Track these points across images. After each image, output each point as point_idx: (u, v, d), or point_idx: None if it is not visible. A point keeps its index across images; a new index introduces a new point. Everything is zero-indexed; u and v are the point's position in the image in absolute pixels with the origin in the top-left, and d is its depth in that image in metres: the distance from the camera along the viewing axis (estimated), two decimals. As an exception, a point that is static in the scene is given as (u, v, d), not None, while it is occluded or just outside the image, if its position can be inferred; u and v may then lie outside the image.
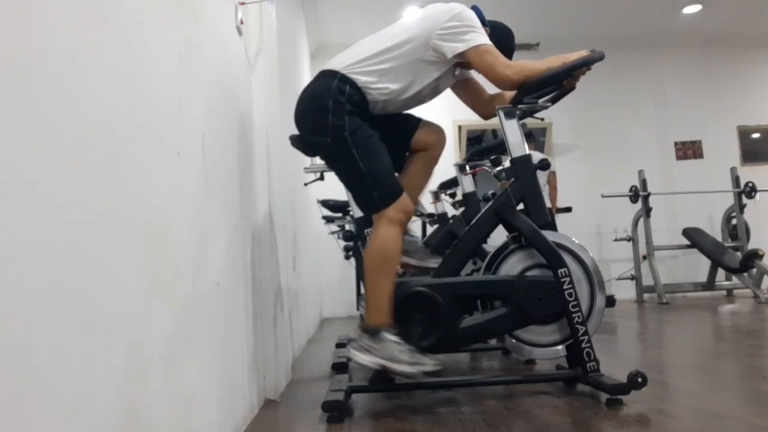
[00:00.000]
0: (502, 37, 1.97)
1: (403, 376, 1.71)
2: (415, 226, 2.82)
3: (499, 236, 1.97)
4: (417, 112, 2.01)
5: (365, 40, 1.92)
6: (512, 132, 1.92)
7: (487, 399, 1.80)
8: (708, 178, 6.54)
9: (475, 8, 1.90)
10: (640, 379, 1.62)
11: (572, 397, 1.78)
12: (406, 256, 1.87)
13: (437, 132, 2.04)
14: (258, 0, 2.03)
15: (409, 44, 1.83)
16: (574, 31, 6.06)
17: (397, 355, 1.69)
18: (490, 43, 1.83)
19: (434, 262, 1.90)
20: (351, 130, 1.78)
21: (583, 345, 1.76)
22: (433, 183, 3.34)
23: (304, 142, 1.93)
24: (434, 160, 2.05)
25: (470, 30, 1.81)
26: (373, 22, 2.42)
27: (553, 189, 5.16)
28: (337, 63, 1.86)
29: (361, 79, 1.81)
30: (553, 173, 5.22)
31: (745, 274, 5.39)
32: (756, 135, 6.92)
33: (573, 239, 1.91)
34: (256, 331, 1.87)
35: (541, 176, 4.87)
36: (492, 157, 3.03)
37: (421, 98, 1.94)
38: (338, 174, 1.93)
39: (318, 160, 2.04)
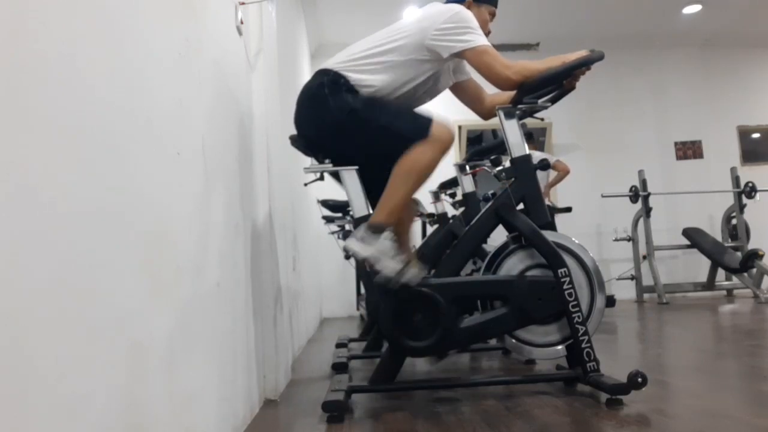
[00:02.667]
0: None
1: (383, 276, 1.74)
2: (415, 226, 2.81)
3: (499, 236, 1.97)
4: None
5: (361, 41, 1.93)
6: (512, 132, 1.92)
7: (487, 399, 1.80)
8: (708, 178, 6.54)
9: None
10: (640, 379, 1.62)
11: (572, 397, 1.78)
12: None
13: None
14: (258, 0, 2.03)
15: (404, 44, 1.84)
16: (574, 31, 6.06)
17: (388, 253, 1.73)
18: (489, 43, 1.84)
19: (408, 276, 1.80)
20: (355, 102, 1.79)
21: (583, 345, 1.76)
22: (433, 183, 3.35)
23: (307, 139, 1.92)
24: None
25: (468, 31, 1.81)
26: (373, 22, 2.42)
27: (563, 171, 5.15)
28: (331, 62, 1.88)
29: (352, 77, 1.81)
30: (558, 160, 5.21)
31: (745, 274, 5.39)
32: (756, 135, 6.92)
33: (573, 239, 1.91)
34: (256, 331, 1.87)
35: (541, 176, 4.88)
36: (492, 157, 3.03)
37: (417, 98, 1.94)
38: (366, 143, 1.84)
39: (315, 162, 2.04)
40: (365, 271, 1.87)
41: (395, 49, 1.84)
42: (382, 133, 1.79)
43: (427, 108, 1.98)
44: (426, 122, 1.78)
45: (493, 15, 2.03)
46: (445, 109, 3.39)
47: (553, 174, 5.21)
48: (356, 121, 1.78)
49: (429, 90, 1.95)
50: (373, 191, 1.88)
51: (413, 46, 1.84)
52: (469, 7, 1.93)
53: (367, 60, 1.84)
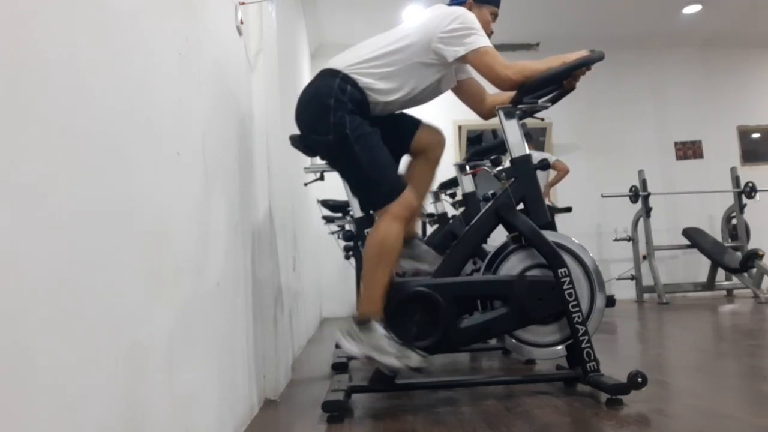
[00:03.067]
0: None
1: (387, 369, 1.71)
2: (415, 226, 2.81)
3: (499, 236, 1.97)
4: (417, 111, 2.01)
5: (367, 42, 1.92)
6: (512, 132, 1.92)
7: (487, 399, 1.80)
8: (708, 178, 6.54)
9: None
10: (640, 379, 1.62)
11: (572, 397, 1.78)
12: (417, 261, 1.85)
13: (436, 133, 2.05)
14: (258, 0, 2.03)
15: (410, 47, 1.85)
16: (574, 31, 6.06)
17: (384, 347, 1.69)
18: (490, 44, 1.84)
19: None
20: (352, 127, 1.78)
21: (583, 345, 1.76)
22: (433, 183, 3.34)
23: (305, 142, 1.93)
24: (435, 162, 2.06)
25: (471, 33, 1.82)
26: (373, 22, 2.43)
27: (562, 171, 5.15)
28: (340, 62, 1.86)
29: (362, 80, 1.81)
30: (557, 159, 5.21)
31: (745, 274, 5.38)
32: (756, 135, 6.92)
33: (573, 239, 1.91)
34: (256, 331, 1.87)
35: (541, 176, 4.87)
36: (492, 157, 3.03)
37: (421, 99, 1.95)
38: (340, 172, 1.93)
39: (318, 160, 2.04)
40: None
41: (402, 51, 1.85)
42: (358, 173, 1.82)
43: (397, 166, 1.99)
44: (397, 191, 1.79)
45: (495, 15, 2.03)
46: (445, 109, 3.40)
47: (552, 174, 5.21)
48: (344, 148, 1.79)
49: (432, 90, 1.96)
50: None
51: (419, 49, 1.85)
52: (470, 8, 1.92)
53: (375, 63, 1.84)
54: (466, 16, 1.85)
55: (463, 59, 1.84)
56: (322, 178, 2.83)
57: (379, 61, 1.84)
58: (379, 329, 1.71)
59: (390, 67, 1.84)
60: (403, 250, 1.84)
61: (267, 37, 2.22)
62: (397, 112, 2.00)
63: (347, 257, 4.75)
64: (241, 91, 1.88)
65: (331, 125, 1.78)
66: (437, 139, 2.04)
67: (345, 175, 1.94)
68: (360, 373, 2.37)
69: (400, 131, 2.01)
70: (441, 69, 1.89)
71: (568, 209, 5.25)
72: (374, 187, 1.81)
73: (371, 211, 1.92)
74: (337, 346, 3.16)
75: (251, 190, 1.94)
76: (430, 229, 4.40)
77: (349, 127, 1.78)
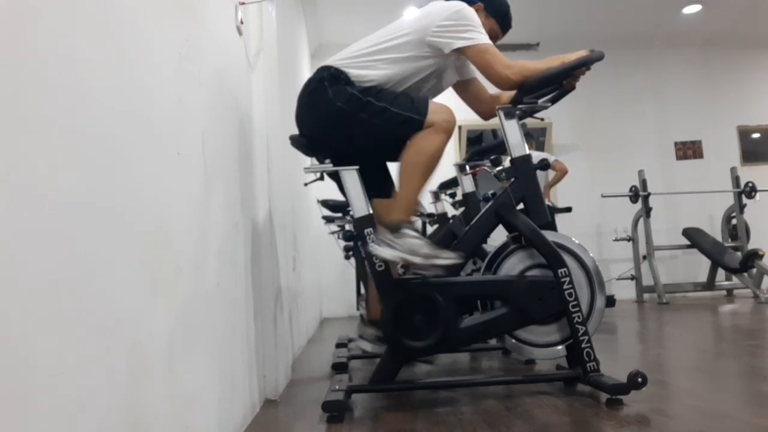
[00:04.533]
0: (497, 7, 2.01)
1: (422, 269, 1.74)
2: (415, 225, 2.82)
3: (499, 236, 1.97)
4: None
5: (362, 39, 1.93)
6: (512, 132, 1.92)
7: (487, 399, 1.80)
8: (708, 178, 6.54)
9: None
10: (640, 379, 1.62)
11: (572, 397, 1.78)
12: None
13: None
14: (258, 0, 2.03)
15: (405, 40, 1.84)
16: (574, 31, 6.06)
17: (417, 249, 1.71)
18: (490, 42, 1.84)
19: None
20: (353, 90, 1.79)
21: (583, 345, 1.76)
22: (433, 183, 3.35)
23: (312, 136, 1.92)
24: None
25: (469, 28, 1.81)
26: (373, 22, 2.42)
27: (561, 171, 5.14)
28: (332, 59, 1.88)
29: (353, 72, 1.82)
30: (556, 160, 5.20)
31: (745, 274, 5.38)
32: (756, 135, 6.92)
33: (573, 239, 1.91)
34: (256, 331, 1.87)
35: (541, 176, 4.87)
36: (492, 157, 3.03)
37: (420, 96, 1.94)
38: (365, 131, 1.82)
39: (317, 161, 2.04)
40: (365, 271, 1.87)
41: (396, 46, 1.84)
42: (381, 116, 1.78)
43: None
44: (423, 105, 1.79)
45: (496, 35, 2.01)
46: (445, 109, 3.36)
47: (552, 174, 5.21)
48: (355, 106, 1.77)
49: (432, 88, 1.95)
50: (370, 187, 1.89)
51: (414, 42, 1.84)
52: (477, 12, 1.91)
53: (368, 57, 1.84)
54: (466, 12, 1.84)
55: (461, 53, 1.83)
56: (322, 178, 2.82)
57: (372, 56, 1.84)
58: (410, 232, 1.73)
59: (384, 60, 1.84)
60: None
61: (267, 37, 2.22)
62: None
63: (347, 257, 4.75)
64: (241, 91, 1.88)
65: (332, 97, 1.78)
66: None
67: (371, 130, 1.81)
68: (360, 373, 2.37)
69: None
70: (437, 62, 1.88)
71: (568, 209, 5.25)
72: (406, 112, 1.78)
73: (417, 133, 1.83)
74: (338, 346, 3.16)
75: (251, 190, 1.94)
76: (430, 229, 4.40)
77: (350, 90, 1.79)
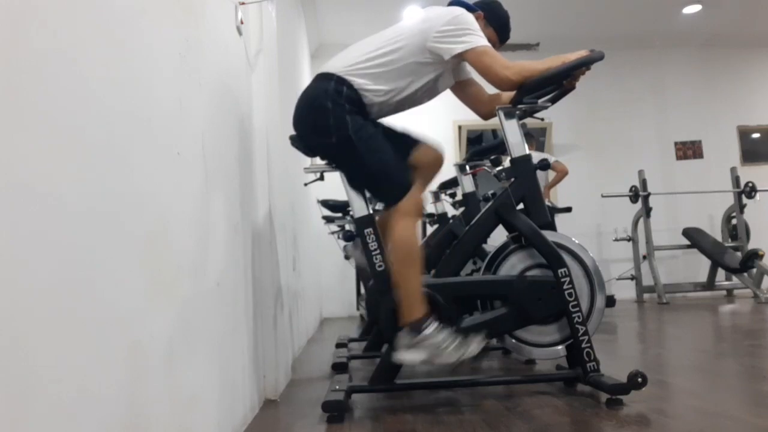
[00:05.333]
0: (497, 17, 2.00)
1: (451, 364, 1.72)
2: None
3: (499, 236, 1.97)
4: (417, 111, 2.00)
5: (362, 42, 1.92)
6: (512, 132, 1.92)
7: (487, 399, 1.80)
8: (708, 178, 6.53)
9: (456, 2, 1.91)
10: (640, 379, 1.62)
11: (572, 397, 1.78)
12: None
13: (435, 152, 2.00)
14: (258, 0, 2.03)
15: (406, 47, 1.84)
16: (574, 31, 6.06)
17: (443, 347, 1.70)
18: (489, 44, 1.84)
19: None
20: (354, 128, 1.78)
21: (583, 345, 1.76)
22: (433, 183, 3.35)
23: (305, 143, 1.93)
24: (429, 179, 2.01)
25: (468, 32, 1.81)
26: (373, 22, 2.43)
27: (561, 172, 5.13)
28: (333, 65, 1.86)
29: (357, 81, 1.81)
30: (557, 161, 5.19)
31: (745, 274, 5.39)
32: (756, 135, 6.92)
33: (573, 239, 1.91)
34: (256, 331, 1.87)
35: (541, 176, 4.87)
36: (492, 157, 3.03)
37: (417, 99, 1.94)
38: (345, 172, 1.91)
39: (318, 160, 2.04)
40: (365, 272, 1.87)
41: (397, 51, 1.84)
42: (363, 173, 1.84)
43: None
44: (404, 189, 1.80)
45: (494, 45, 1.98)
46: (444, 109, 3.39)
47: (552, 175, 5.21)
48: (346, 149, 1.79)
49: (429, 90, 1.95)
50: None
51: (415, 48, 1.84)
52: (477, 19, 1.91)
53: (370, 63, 1.83)
54: (464, 17, 1.85)
55: (460, 57, 1.83)
56: (322, 178, 2.83)
57: (374, 62, 1.83)
58: (430, 330, 1.71)
59: (385, 67, 1.83)
60: None
61: (267, 37, 2.22)
62: (399, 129, 1.98)
63: (347, 257, 4.75)
64: (241, 91, 1.88)
65: (332, 127, 1.78)
66: (435, 156, 2.00)
67: (351, 175, 1.91)
68: (360, 373, 2.37)
69: (399, 147, 1.97)
70: (437, 68, 1.88)
71: (568, 209, 5.25)
72: (383, 184, 1.83)
73: (383, 208, 1.93)
74: (338, 346, 3.16)
75: (251, 190, 1.94)
76: (430, 229, 4.40)
77: (351, 128, 1.78)
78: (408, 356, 1.72)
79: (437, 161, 2.01)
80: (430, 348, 1.70)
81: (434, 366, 1.75)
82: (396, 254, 1.79)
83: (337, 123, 1.78)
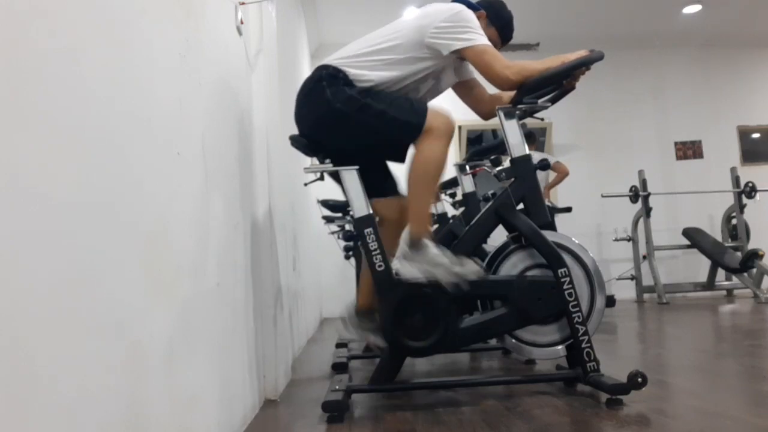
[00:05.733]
0: (500, 16, 2.00)
1: (448, 282, 1.74)
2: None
3: (499, 236, 1.97)
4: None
5: (360, 39, 1.92)
6: (512, 132, 1.92)
7: (487, 399, 1.80)
8: (708, 178, 6.54)
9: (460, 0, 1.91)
10: (640, 379, 1.62)
11: (572, 397, 1.78)
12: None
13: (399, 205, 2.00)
14: (258, 0, 2.03)
15: (403, 41, 1.84)
16: (574, 31, 6.06)
17: (440, 262, 1.72)
18: (489, 43, 1.84)
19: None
20: (352, 91, 1.78)
21: (583, 345, 1.76)
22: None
23: (311, 137, 1.91)
24: (396, 235, 2.02)
25: (468, 30, 1.81)
26: (373, 22, 2.42)
27: (562, 173, 5.13)
28: (330, 58, 1.87)
29: (351, 72, 1.81)
30: (558, 161, 5.19)
31: (745, 274, 5.39)
32: (756, 135, 6.92)
33: (573, 239, 1.91)
34: (256, 331, 1.87)
35: (541, 177, 4.87)
36: (492, 157, 3.03)
37: (419, 97, 1.94)
38: (361, 134, 1.82)
39: (317, 161, 2.04)
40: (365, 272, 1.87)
41: (395, 46, 1.84)
42: (379, 118, 1.78)
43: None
44: (422, 109, 1.79)
45: (496, 45, 1.97)
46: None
47: (552, 175, 5.21)
48: (353, 108, 1.77)
49: (431, 89, 1.95)
50: (371, 187, 1.88)
51: (412, 43, 1.84)
52: (479, 18, 1.91)
53: (367, 57, 1.84)
54: (465, 14, 1.84)
55: (460, 54, 1.83)
56: (322, 178, 2.82)
57: (372, 56, 1.84)
58: (430, 246, 1.74)
59: (382, 60, 1.83)
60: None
61: (267, 37, 2.22)
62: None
63: (347, 257, 4.75)
64: (241, 91, 1.88)
65: (331, 98, 1.78)
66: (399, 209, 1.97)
67: (367, 133, 1.82)
68: (360, 373, 2.37)
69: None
70: (436, 63, 1.88)
71: (568, 209, 5.25)
72: (403, 117, 1.77)
73: (412, 141, 1.82)
74: (338, 346, 3.16)
75: (251, 190, 1.94)
76: (430, 229, 4.39)
77: (349, 92, 1.78)
78: (406, 269, 1.74)
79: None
80: (428, 263, 1.72)
81: (429, 279, 1.75)
82: (417, 169, 1.76)
83: (334, 91, 1.78)
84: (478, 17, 1.91)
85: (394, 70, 1.84)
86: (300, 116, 1.91)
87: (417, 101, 1.83)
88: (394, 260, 1.77)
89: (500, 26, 2.00)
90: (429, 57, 1.85)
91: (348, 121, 1.80)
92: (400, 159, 1.94)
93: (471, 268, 1.74)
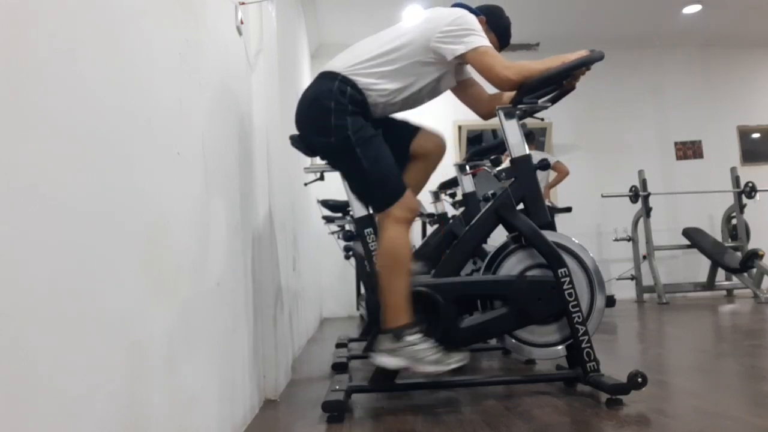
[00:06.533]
0: (499, 22, 2.02)
1: (430, 374, 1.73)
2: (415, 226, 2.83)
3: (499, 236, 1.97)
4: (418, 111, 2.00)
5: (365, 41, 1.92)
6: (512, 132, 1.92)
7: (487, 399, 1.80)
8: (708, 178, 6.54)
9: (459, 5, 1.92)
10: (640, 379, 1.62)
11: (572, 397, 1.78)
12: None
13: (436, 138, 2.04)
14: (258, 0, 2.03)
15: (409, 46, 1.84)
16: (574, 31, 6.06)
17: (422, 356, 1.70)
18: (489, 44, 1.84)
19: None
20: (354, 129, 1.78)
21: (583, 345, 1.76)
22: (433, 183, 3.35)
23: (306, 143, 1.93)
24: (432, 167, 2.04)
25: (470, 33, 1.82)
26: (373, 22, 2.43)
27: (561, 172, 5.13)
28: (338, 64, 1.86)
29: (361, 81, 1.81)
30: (558, 161, 5.19)
31: (745, 274, 5.39)
32: (756, 135, 6.92)
33: (573, 239, 1.91)
34: (256, 331, 1.87)
35: (541, 176, 4.87)
36: (492, 157, 3.03)
37: (419, 99, 1.94)
38: (342, 173, 1.93)
39: (318, 160, 2.04)
40: (365, 272, 1.87)
41: (400, 51, 1.84)
42: (360, 175, 1.82)
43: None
44: (397, 194, 1.80)
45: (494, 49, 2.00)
46: (444, 109, 3.38)
47: (552, 175, 5.22)
48: (346, 151, 1.79)
49: (431, 90, 1.95)
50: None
51: (418, 48, 1.84)
52: (479, 23, 1.91)
53: (374, 62, 1.84)
54: (466, 17, 1.85)
55: (462, 58, 1.84)
56: (322, 178, 2.83)
57: (378, 61, 1.84)
58: (412, 338, 1.71)
59: (389, 66, 1.84)
60: None
61: (267, 37, 2.22)
62: (398, 118, 1.99)
63: (347, 257, 4.75)
64: (241, 91, 1.88)
65: (333, 128, 1.78)
66: (436, 143, 2.03)
67: (347, 177, 1.93)
68: (360, 373, 2.37)
69: (399, 136, 2.00)
70: (440, 68, 1.89)
71: (568, 209, 5.25)
72: (376, 189, 1.81)
73: (373, 213, 1.93)
74: (338, 346, 3.16)
75: (251, 190, 1.94)
76: (430, 229, 4.40)
77: (351, 129, 1.78)
78: (386, 361, 1.72)
79: (439, 148, 2.03)
80: (409, 356, 1.70)
81: (410, 372, 1.75)
82: (383, 260, 1.78)
83: (337, 123, 1.78)
84: (479, 22, 1.91)
85: (402, 76, 1.85)
86: (300, 121, 1.91)
87: (398, 183, 1.83)
88: (376, 354, 1.76)
89: (499, 32, 2.01)
90: (434, 61, 1.86)
91: (337, 158, 1.87)
92: None
93: (455, 360, 1.71)
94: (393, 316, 1.74)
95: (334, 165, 1.96)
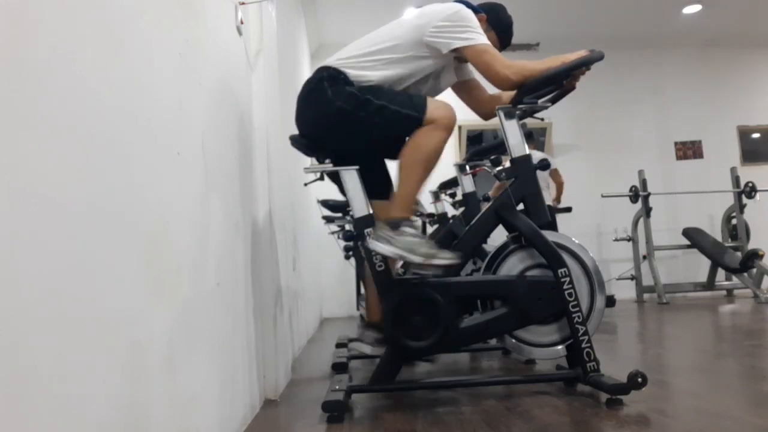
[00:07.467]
0: (500, 19, 2.01)
1: (420, 268, 1.74)
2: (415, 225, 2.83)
3: (499, 236, 1.97)
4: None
5: (360, 39, 1.93)
6: (512, 132, 1.92)
7: (487, 399, 1.80)
8: (708, 178, 6.54)
9: (461, 1, 1.91)
10: (640, 379, 1.62)
11: (572, 397, 1.78)
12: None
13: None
14: (258, 0, 2.03)
15: (402, 41, 1.85)
16: (574, 31, 6.06)
17: (416, 247, 1.71)
18: (489, 43, 1.84)
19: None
20: (352, 89, 1.79)
21: (583, 345, 1.76)
22: (433, 183, 3.35)
23: (311, 133, 1.91)
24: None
25: (468, 29, 1.82)
26: (373, 22, 2.43)
27: (559, 185, 5.14)
28: (329, 60, 1.88)
29: (352, 73, 1.82)
30: (555, 170, 5.19)
31: (745, 274, 5.39)
32: (756, 135, 6.92)
33: (573, 239, 1.91)
34: (256, 331, 1.87)
35: (541, 177, 4.86)
36: (492, 157, 3.03)
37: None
38: (362, 131, 1.82)
39: (317, 161, 2.04)
40: (365, 272, 1.87)
41: (394, 46, 1.85)
42: (380, 114, 1.77)
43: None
44: (422, 102, 1.79)
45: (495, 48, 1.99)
46: (445, 109, 3.34)
47: (553, 187, 5.19)
48: (354, 105, 1.77)
49: (431, 88, 1.95)
50: (370, 188, 1.88)
51: (412, 42, 1.84)
52: (479, 21, 1.91)
53: (367, 57, 1.84)
54: (464, 13, 1.85)
55: (460, 53, 1.83)
56: (322, 178, 2.83)
57: (372, 57, 1.84)
58: (410, 230, 1.74)
59: (382, 60, 1.84)
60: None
61: (267, 37, 2.22)
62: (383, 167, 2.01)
63: (347, 257, 4.75)
64: (241, 91, 1.88)
65: (332, 97, 1.78)
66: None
67: (371, 128, 1.81)
68: (360, 373, 2.37)
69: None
70: (436, 63, 1.88)
71: (568, 209, 5.25)
72: (400, 113, 1.77)
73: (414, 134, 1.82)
74: (338, 346, 3.16)
75: (251, 190, 1.94)
76: (430, 229, 4.40)
77: (350, 89, 1.79)
78: (380, 247, 1.73)
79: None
80: (404, 245, 1.72)
81: (402, 266, 1.76)
82: (409, 152, 1.76)
83: (335, 91, 1.79)
84: (479, 20, 1.91)
85: (393, 69, 1.84)
86: (301, 116, 1.91)
87: (417, 96, 1.83)
88: (369, 238, 1.78)
89: (500, 30, 2.00)
90: (429, 56, 1.85)
91: (349, 119, 1.80)
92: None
93: (446, 258, 1.73)
94: (399, 207, 1.77)
95: (351, 131, 1.83)
